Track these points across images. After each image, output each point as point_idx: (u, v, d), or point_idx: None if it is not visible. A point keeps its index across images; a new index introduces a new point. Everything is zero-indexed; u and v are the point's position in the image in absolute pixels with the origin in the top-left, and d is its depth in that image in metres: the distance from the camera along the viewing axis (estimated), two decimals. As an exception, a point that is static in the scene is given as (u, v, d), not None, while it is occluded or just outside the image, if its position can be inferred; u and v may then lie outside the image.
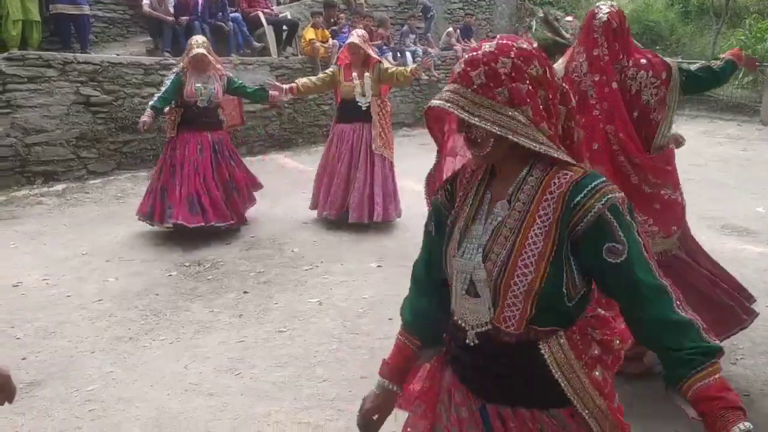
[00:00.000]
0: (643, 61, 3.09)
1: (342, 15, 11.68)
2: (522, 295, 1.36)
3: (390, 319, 4.07)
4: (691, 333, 1.30)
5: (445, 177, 1.73)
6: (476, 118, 1.34)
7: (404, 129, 11.96)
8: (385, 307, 4.23)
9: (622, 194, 1.36)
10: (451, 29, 13.77)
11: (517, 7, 16.54)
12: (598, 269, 1.36)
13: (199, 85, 5.57)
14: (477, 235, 1.45)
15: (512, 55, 1.35)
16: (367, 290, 4.62)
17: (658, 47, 15.22)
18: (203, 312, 4.31)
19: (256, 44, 10.43)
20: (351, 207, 5.98)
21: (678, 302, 1.33)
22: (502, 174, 1.47)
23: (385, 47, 11.98)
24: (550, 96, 1.40)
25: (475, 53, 1.38)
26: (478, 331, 1.45)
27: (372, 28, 12.09)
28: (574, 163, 1.41)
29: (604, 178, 1.37)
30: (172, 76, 5.66)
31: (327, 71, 6.20)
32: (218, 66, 5.82)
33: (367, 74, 5.93)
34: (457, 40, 13.58)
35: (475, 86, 1.35)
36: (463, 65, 1.38)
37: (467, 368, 1.52)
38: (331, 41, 10.80)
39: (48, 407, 3.22)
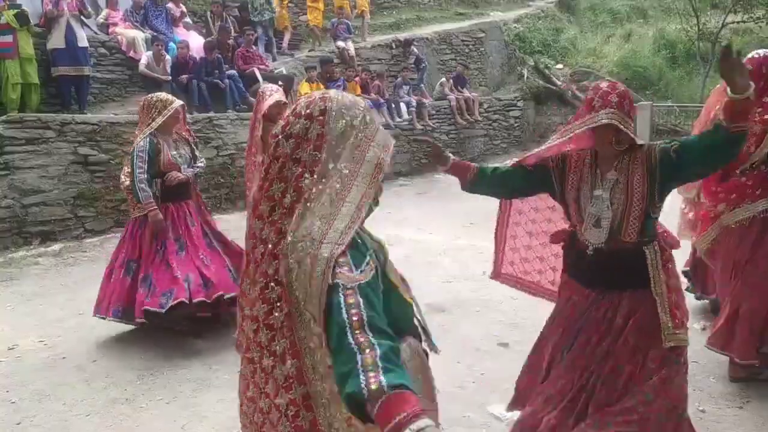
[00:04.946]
0: None
1: (337, 69, 11.90)
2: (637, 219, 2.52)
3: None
4: None
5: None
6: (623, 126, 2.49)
7: (401, 179, 12.02)
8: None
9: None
10: (444, 79, 13.98)
11: (508, 56, 16.84)
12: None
13: (174, 152, 4.75)
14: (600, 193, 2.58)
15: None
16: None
17: (648, 92, 15.41)
18: (201, 369, 4.23)
19: (252, 99, 10.56)
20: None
21: None
22: (602, 158, 2.62)
23: (381, 100, 12.16)
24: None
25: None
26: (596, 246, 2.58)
27: (368, 81, 12.30)
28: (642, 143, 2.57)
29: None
30: (143, 144, 4.56)
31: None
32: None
33: None
34: (451, 90, 13.79)
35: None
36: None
37: (585, 271, 2.70)
38: (326, 94, 10.91)
39: (41, 475, 3.13)
